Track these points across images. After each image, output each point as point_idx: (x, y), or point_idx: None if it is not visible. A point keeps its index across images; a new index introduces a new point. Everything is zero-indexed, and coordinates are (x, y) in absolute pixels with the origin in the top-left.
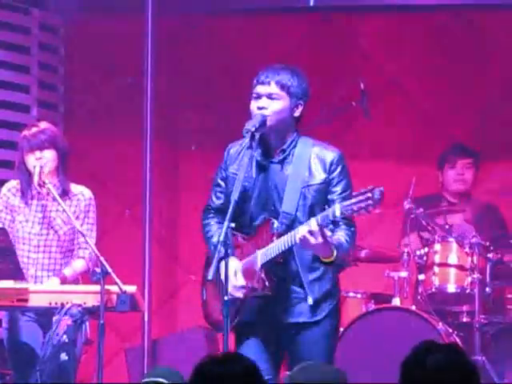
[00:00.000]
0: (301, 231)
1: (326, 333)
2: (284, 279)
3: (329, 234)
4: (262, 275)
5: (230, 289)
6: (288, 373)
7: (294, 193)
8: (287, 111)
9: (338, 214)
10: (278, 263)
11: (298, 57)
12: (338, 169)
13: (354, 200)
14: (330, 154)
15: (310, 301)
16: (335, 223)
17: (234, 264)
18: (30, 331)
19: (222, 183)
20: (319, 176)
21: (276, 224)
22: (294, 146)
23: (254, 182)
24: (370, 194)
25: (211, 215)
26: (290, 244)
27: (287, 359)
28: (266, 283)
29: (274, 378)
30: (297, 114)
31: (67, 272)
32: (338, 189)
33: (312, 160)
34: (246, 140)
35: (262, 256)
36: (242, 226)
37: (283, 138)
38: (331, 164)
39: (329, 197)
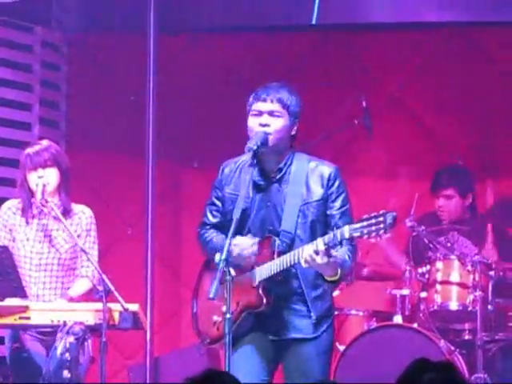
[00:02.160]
0: (306, 251)
1: (324, 348)
2: (283, 296)
3: (334, 253)
4: (260, 291)
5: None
6: None
7: (292, 211)
8: (287, 129)
9: (346, 235)
10: (276, 281)
11: (299, 75)
12: (336, 183)
13: (364, 223)
14: (327, 169)
15: (314, 318)
16: None
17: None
18: (33, 349)
19: (218, 202)
20: (317, 192)
21: (277, 242)
22: (290, 164)
23: (251, 202)
24: (381, 219)
25: (208, 227)
26: (292, 263)
27: (284, 374)
28: (264, 300)
29: None
30: (293, 132)
31: (72, 292)
32: (337, 204)
33: (309, 176)
34: (243, 158)
35: (260, 272)
36: None
37: (280, 156)
38: (329, 179)
39: (328, 212)
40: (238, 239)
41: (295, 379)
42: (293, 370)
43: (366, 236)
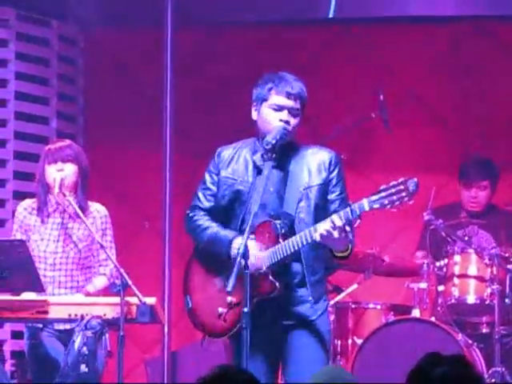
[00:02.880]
0: (323, 226)
1: (323, 332)
2: (284, 281)
3: (348, 229)
4: (271, 277)
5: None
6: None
7: (294, 194)
8: (299, 125)
9: (367, 208)
10: (282, 266)
11: (316, 68)
12: (337, 169)
13: (383, 194)
14: (328, 155)
15: (312, 301)
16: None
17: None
18: (52, 344)
19: (213, 187)
20: (319, 176)
21: (279, 225)
22: (291, 151)
23: (250, 186)
24: (402, 187)
25: (202, 213)
26: (305, 243)
27: (283, 358)
28: (277, 285)
29: (272, 380)
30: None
31: (90, 288)
32: (338, 189)
33: (310, 161)
34: (242, 144)
35: (267, 257)
36: (232, 230)
37: (286, 147)
38: (330, 164)
39: (328, 197)
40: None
41: (295, 359)
42: (293, 351)
43: (388, 206)
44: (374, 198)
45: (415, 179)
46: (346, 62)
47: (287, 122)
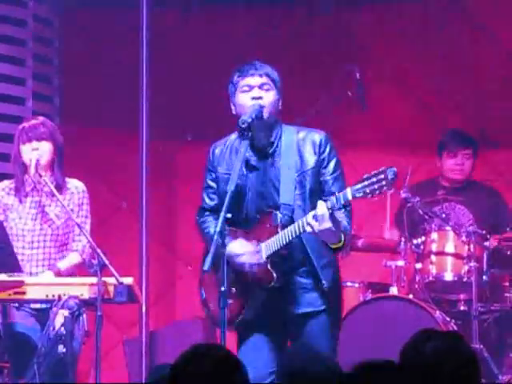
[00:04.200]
0: (310, 216)
1: (333, 321)
2: (288, 271)
3: (342, 215)
4: (269, 267)
5: (248, 259)
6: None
7: (289, 183)
8: (276, 103)
9: (349, 197)
10: (282, 255)
11: (293, 48)
12: (327, 149)
13: (366, 182)
14: (317, 136)
15: (325, 285)
16: None
17: (236, 243)
18: (28, 323)
19: (213, 184)
20: (311, 160)
21: (279, 215)
22: (280, 137)
23: (246, 180)
24: (382, 176)
25: (207, 213)
26: (298, 233)
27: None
28: (274, 275)
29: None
30: (280, 106)
31: (61, 265)
32: (330, 169)
33: (300, 146)
34: (231, 137)
35: (266, 248)
36: (238, 224)
37: (270, 131)
38: (320, 145)
39: (321, 178)
40: (242, 247)
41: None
42: (300, 343)
43: (369, 195)
44: (357, 186)
45: (394, 168)
46: (321, 41)
47: (260, 98)
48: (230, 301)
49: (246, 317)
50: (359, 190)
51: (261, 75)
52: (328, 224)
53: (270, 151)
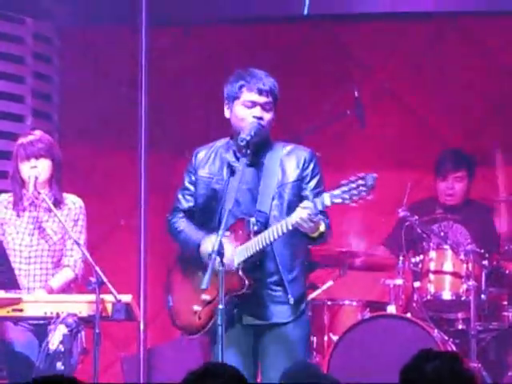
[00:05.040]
0: (291, 220)
1: (302, 331)
2: (259, 280)
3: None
4: (240, 273)
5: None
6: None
7: (267, 192)
8: (272, 122)
9: (327, 202)
10: (253, 263)
11: (290, 66)
12: (311, 166)
13: (344, 188)
14: (303, 153)
15: (291, 300)
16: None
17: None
18: (26, 339)
19: (191, 187)
20: (293, 173)
21: (253, 221)
22: (267, 149)
23: (225, 184)
24: (362, 181)
25: (180, 215)
26: (272, 239)
27: (262, 359)
28: (246, 281)
29: (251, 378)
30: (273, 123)
31: (53, 283)
32: (312, 184)
33: (284, 160)
34: (217, 143)
35: (238, 254)
36: (212, 229)
37: (262, 144)
38: (304, 161)
39: (302, 193)
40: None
41: (275, 364)
42: (272, 355)
43: (347, 201)
44: (335, 192)
45: (374, 174)
46: (320, 59)
47: (261, 118)
48: (200, 308)
49: (215, 326)
50: (337, 196)
51: (267, 94)
52: (310, 224)
53: (254, 161)
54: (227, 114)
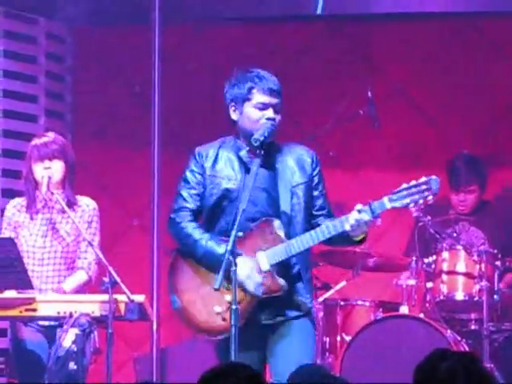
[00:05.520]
0: (351, 220)
1: (311, 325)
2: (285, 278)
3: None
4: (275, 275)
5: (252, 287)
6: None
7: (286, 192)
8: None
9: (387, 206)
10: (281, 263)
11: (304, 65)
12: (318, 167)
13: (405, 192)
14: (309, 154)
15: (308, 300)
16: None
17: (250, 262)
18: (36, 340)
19: (199, 187)
20: (304, 174)
21: (280, 223)
22: (274, 148)
23: (239, 184)
24: (425, 186)
25: (189, 218)
26: (318, 241)
27: (272, 357)
28: (280, 283)
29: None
30: None
31: (67, 286)
32: (320, 186)
33: (292, 160)
34: (222, 143)
35: (271, 257)
36: (226, 231)
37: (269, 143)
38: (312, 162)
39: (313, 194)
40: (248, 271)
41: (287, 357)
42: (283, 349)
43: (411, 205)
44: (395, 196)
45: (437, 178)
46: (333, 59)
47: (273, 119)
48: (223, 308)
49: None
50: (397, 200)
51: (278, 95)
52: (365, 228)
53: (266, 160)
54: (234, 116)
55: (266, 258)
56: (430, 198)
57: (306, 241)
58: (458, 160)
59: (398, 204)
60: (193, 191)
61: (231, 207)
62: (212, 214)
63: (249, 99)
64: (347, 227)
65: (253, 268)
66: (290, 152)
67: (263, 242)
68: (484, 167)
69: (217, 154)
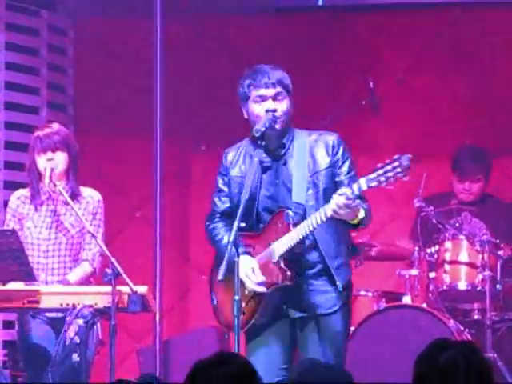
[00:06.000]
0: (328, 208)
1: (347, 320)
2: (302, 272)
3: (358, 201)
4: (282, 265)
5: (251, 285)
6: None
7: (301, 183)
8: (290, 109)
9: (364, 187)
10: (295, 255)
11: (306, 56)
12: (341, 150)
13: (380, 171)
14: (330, 137)
15: (340, 287)
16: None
17: (250, 261)
18: (43, 332)
19: (225, 188)
20: (324, 160)
21: (291, 214)
22: (293, 140)
23: (258, 181)
24: (397, 163)
25: (217, 219)
26: (311, 228)
27: (305, 350)
28: (288, 273)
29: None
30: (292, 110)
31: (71, 278)
32: (345, 169)
33: (312, 148)
34: (244, 143)
35: (278, 247)
36: (249, 227)
37: (283, 134)
38: (333, 147)
39: (336, 179)
40: (246, 270)
41: (319, 354)
42: (316, 345)
43: (384, 183)
44: (371, 176)
45: (409, 155)
46: (334, 49)
47: (274, 110)
48: (243, 304)
49: (258, 320)
50: (373, 179)
51: (274, 85)
52: (347, 210)
53: (282, 153)
54: (245, 115)
55: (275, 250)
56: (401, 174)
57: (300, 230)
58: (465, 149)
59: (373, 183)
60: (221, 193)
61: (253, 207)
62: (241, 218)
63: (249, 97)
64: (329, 213)
65: (253, 267)
66: (311, 140)
67: (275, 234)
68: (489, 159)
69: (238, 155)
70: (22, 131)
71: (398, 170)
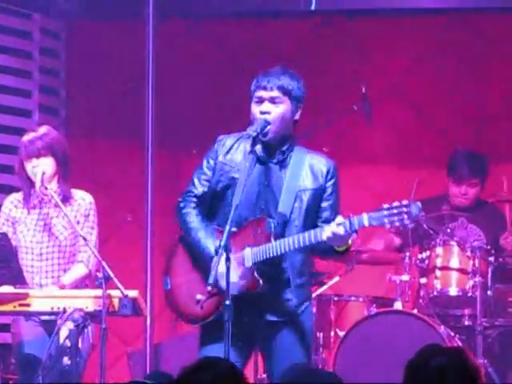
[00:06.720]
0: (326, 232)
1: (304, 329)
2: (269, 279)
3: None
4: (255, 274)
5: (224, 286)
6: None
7: (289, 195)
8: (289, 115)
9: (366, 224)
10: (268, 264)
11: (300, 61)
12: (334, 179)
13: (385, 212)
14: (327, 163)
15: (296, 303)
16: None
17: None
18: (36, 336)
19: (209, 172)
20: (316, 181)
21: (273, 224)
22: (292, 150)
23: (248, 176)
24: (405, 209)
25: (192, 204)
26: (302, 244)
27: (265, 357)
28: (260, 282)
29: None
30: (297, 117)
31: (66, 279)
32: (331, 199)
33: (308, 166)
34: (241, 134)
35: (255, 254)
36: (224, 220)
37: (284, 139)
38: (328, 172)
39: (321, 204)
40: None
41: (277, 361)
42: (274, 351)
43: (388, 226)
44: (374, 215)
45: (419, 203)
46: (327, 54)
47: (267, 113)
48: (204, 297)
49: (217, 317)
50: (377, 218)
51: (272, 88)
52: (339, 240)
53: (280, 159)
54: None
55: (250, 255)
56: (408, 222)
57: (286, 244)
58: (463, 153)
59: (375, 222)
60: (203, 176)
61: (232, 198)
62: (215, 201)
63: (252, 96)
64: (324, 237)
65: (229, 267)
66: (308, 158)
67: (253, 240)
68: (486, 164)
69: (234, 144)
70: (14, 134)
71: (405, 217)
